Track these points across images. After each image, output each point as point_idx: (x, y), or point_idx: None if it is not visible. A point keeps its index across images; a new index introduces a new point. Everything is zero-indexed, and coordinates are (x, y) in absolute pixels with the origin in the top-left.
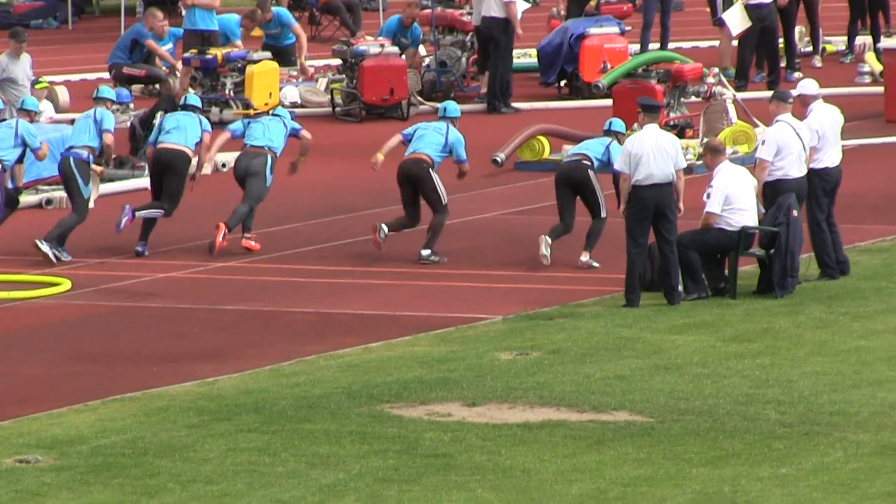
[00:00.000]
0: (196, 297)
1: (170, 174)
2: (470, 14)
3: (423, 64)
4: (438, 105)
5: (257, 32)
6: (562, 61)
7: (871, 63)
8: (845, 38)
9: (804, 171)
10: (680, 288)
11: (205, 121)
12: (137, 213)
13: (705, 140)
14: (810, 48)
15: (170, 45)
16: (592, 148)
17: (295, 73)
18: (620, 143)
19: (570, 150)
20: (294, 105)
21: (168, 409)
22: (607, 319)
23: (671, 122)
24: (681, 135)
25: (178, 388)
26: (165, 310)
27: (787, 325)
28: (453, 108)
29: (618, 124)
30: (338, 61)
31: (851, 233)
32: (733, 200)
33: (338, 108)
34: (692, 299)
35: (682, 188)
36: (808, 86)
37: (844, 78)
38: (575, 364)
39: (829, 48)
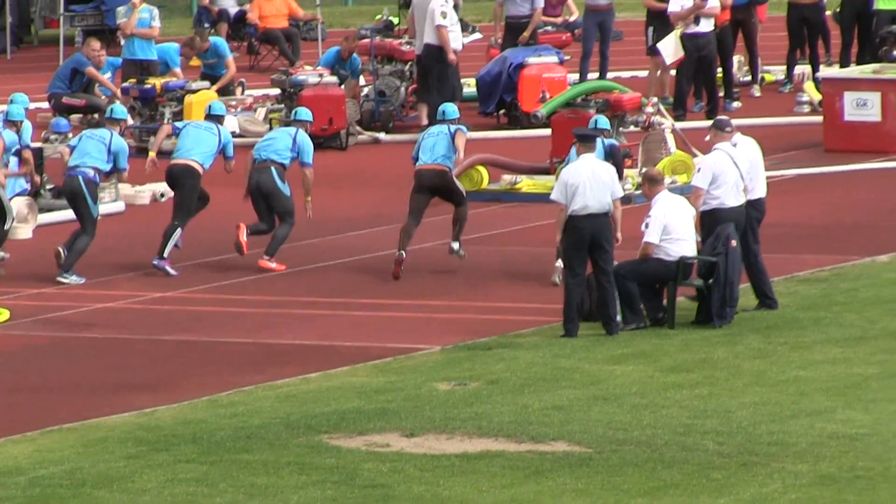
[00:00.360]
0: (134, 327)
1: (179, 188)
2: (409, 44)
3: (362, 94)
4: (377, 135)
5: (196, 62)
6: (500, 91)
7: (811, 92)
8: (784, 68)
9: (742, 201)
10: (618, 318)
11: (225, 132)
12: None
13: (643, 170)
14: (749, 77)
15: (108, 75)
16: None
17: (234, 103)
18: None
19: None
20: (233, 135)
21: (106, 440)
22: (546, 350)
23: None
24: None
25: (116, 419)
26: (103, 340)
27: (725, 355)
28: (452, 109)
29: (603, 122)
30: (276, 91)
31: (790, 263)
32: (672, 230)
33: None
34: (630, 329)
35: (619, 218)
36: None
37: (783, 107)
38: (513, 394)
39: (769, 77)
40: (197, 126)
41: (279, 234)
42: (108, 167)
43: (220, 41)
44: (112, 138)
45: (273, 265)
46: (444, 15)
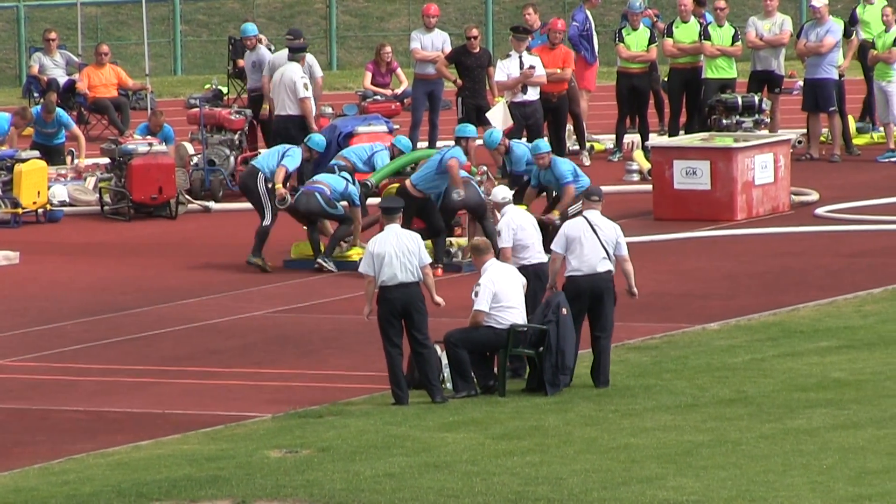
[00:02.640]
0: None
1: (248, 195)
2: (238, 113)
3: (192, 162)
4: (207, 204)
5: (28, 131)
6: (331, 159)
7: (640, 161)
8: (613, 136)
9: (600, 269)
10: (449, 385)
11: (290, 156)
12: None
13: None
14: (577, 146)
15: None
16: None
17: (64, 172)
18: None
19: None
20: (63, 204)
21: None
22: (377, 417)
23: None
24: (450, 233)
25: None
26: None
27: (556, 422)
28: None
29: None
30: (106, 160)
31: (620, 330)
32: (502, 298)
33: (106, 207)
34: (462, 397)
35: (431, 283)
36: (497, 192)
37: (613, 176)
38: (345, 462)
39: (598, 146)
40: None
41: (337, 234)
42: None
43: (63, 112)
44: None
45: (330, 265)
46: (305, 87)
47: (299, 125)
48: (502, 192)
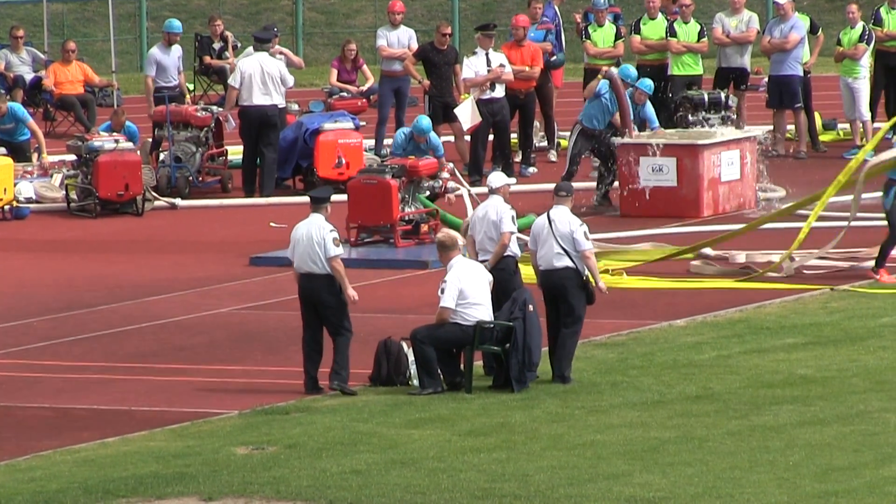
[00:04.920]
0: None
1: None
2: (205, 110)
3: (159, 160)
4: (173, 200)
5: None
6: (297, 156)
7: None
8: None
9: (557, 265)
10: (415, 381)
11: None
12: None
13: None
14: (545, 143)
15: None
16: None
17: (30, 169)
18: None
19: None
20: (29, 200)
21: None
22: (343, 414)
23: (406, 218)
24: (416, 230)
25: None
26: None
27: (522, 419)
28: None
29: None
30: (73, 157)
31: (587, 327)
32: (468, 295)
33: (73, 204)
34: (428, 394)
35: (339, 277)
36: (494, 179)
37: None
38: (311, 458)
39: (564, 143)
40: None
41: None
42: None
43: (17, 106)
44: None
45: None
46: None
47: (281, 113)
48: (499, 179)
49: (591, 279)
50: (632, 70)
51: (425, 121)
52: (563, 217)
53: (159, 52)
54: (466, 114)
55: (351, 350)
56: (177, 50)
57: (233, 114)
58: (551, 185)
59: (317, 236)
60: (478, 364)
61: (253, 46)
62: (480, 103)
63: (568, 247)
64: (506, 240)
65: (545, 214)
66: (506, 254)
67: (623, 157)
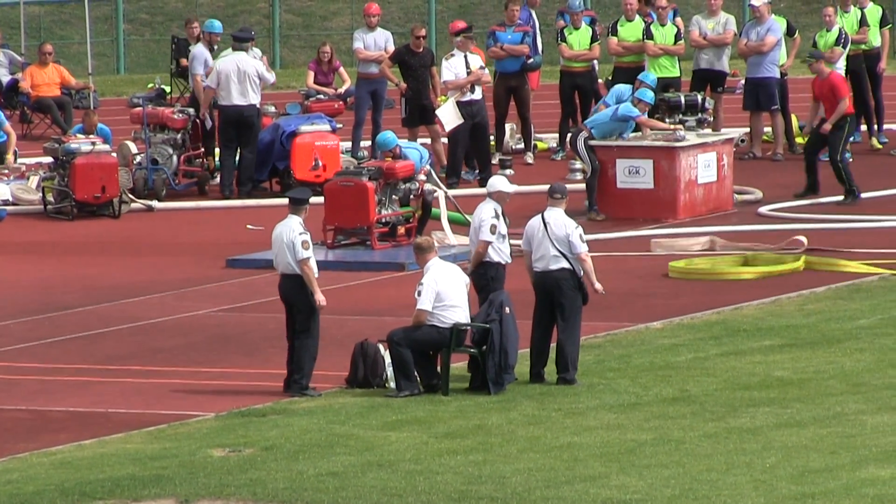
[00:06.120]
0: None
1: None
2: (181, 112)
3: (135, 162)
4: (150, 203)
5: None
6: (274, 158)
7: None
8: (557, 135)
9: (552, 267)
10: (391, 384)
11: None
12: None
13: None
14: (522, 145)
15: None
16: None
17: (6, 171)
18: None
19: None
20: (6, 203)
21: None
22: (320, 416)
23: (382, 220)
24: (393, 233)
25: None
26: None
27: (499, 421)
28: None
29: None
30: (49, 159)
31: None
32: (445, 297)
33: (49, 206)
34: (405, 396)
35: (308, 281)
36: (495, 182)
37: (556, 174)
38: (288, 461)
39: (541, 145)
40: None
41: None
42: None
43: None
44: None
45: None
46: (268, 70)
47: (258, 113)
48: (494, 184)
49: (590, 280)
50: (650, 94)
51: (384, 136)
52: (559, 219)
53: (207, 52)
54: (449, 115)
55: (327, 352)
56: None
57: (211, 114)
58: (527, 188)
59: (286, 238)
60: (461, 365)
61: (232, 46)
62: (460, 105)
63: (564, 249)
64: (480, 248)
65: (539, 216)
66: (488, 260)
67: (600, 159)
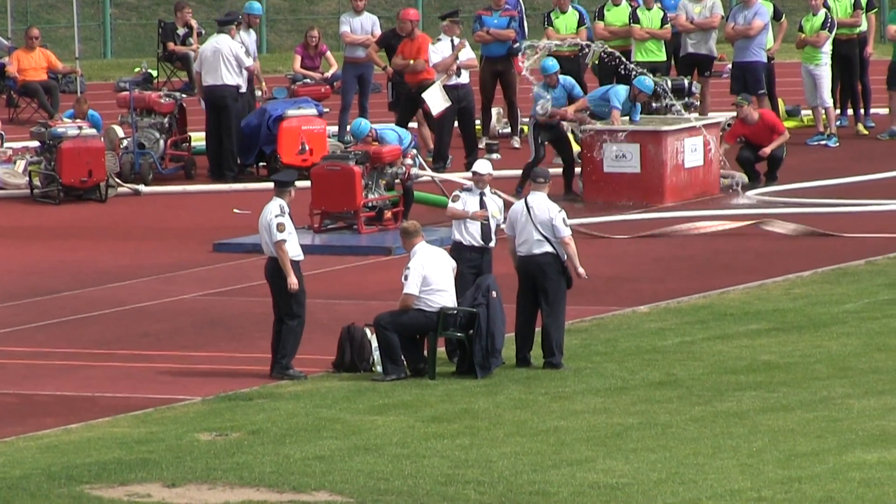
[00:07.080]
0: None
1: None
2: (168, 97)
3: (122, 146)
4: (137, 187)
5: None
6: (260, 143)
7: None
8: None
9: (536, 251)
10: (378, 368)
11: None
12: None
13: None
14: (508, 129)
15: None
16: None
17: None
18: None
19: None
20: None
21: None
22: (307, 400)
23: (369, 204)
24: (379, 217)
25: None
26: None
27: (486, 405)
28: None
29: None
30: (36, 143)
31: None
32: (431, 281)
33: (36, 190)
34: (391, 380)
35: (282, 263)
36: (480, 166)
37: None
38: (275, 444)
39: (527, 129)
40: None
41: None
42: None
43: None
44: None
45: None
46: (247, 54)
47: (235, 94)
48: (476, 167)
49: (573, 265)
50: (648, 81)
51: (356, 125)
52: (542, 204)
53: (246, 36)
54: (436, 98)
55: (314, 336)
56: (253, 33)
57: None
58: (513, 172)
59: (264, 221)
60: (441, 350)
61: (217, 31)
62: (446, 89)
63: (547, 233)
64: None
65: (522, 201)
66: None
67: (587, 143)
